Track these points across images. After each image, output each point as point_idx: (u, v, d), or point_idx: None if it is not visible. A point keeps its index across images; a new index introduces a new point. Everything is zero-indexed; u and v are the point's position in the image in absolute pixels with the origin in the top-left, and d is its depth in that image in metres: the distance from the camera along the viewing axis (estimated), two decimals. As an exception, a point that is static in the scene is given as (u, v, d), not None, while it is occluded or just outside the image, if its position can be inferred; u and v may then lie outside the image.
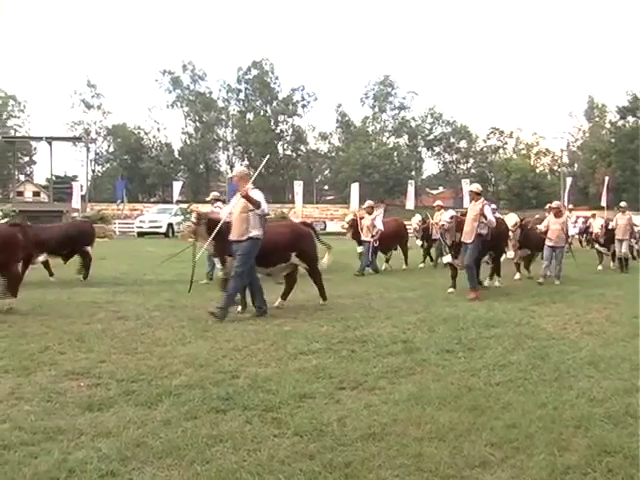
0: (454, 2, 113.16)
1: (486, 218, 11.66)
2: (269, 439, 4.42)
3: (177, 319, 9.02)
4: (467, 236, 11.81)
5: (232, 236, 9.27)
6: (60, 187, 58.79)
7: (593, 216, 22.98)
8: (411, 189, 51.57)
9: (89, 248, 14.28)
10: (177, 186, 55.22)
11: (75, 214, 40.02)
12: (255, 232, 9.26)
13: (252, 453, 4.17)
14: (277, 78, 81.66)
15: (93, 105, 79.99)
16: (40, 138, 58.19)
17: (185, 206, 44.36)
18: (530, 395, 5.46)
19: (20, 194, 70.37)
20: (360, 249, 16.62)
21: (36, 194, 77.65)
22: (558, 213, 14.86)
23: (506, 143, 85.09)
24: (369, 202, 17.09)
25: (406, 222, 18.93)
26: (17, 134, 76.23)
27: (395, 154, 77.93)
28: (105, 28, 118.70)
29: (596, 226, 19.12)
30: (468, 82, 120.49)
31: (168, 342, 7.49)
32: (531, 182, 73.62)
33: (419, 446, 4.26)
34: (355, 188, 48.57)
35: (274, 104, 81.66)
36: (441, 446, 4.28)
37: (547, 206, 17.61)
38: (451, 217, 11.93)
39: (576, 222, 25.50)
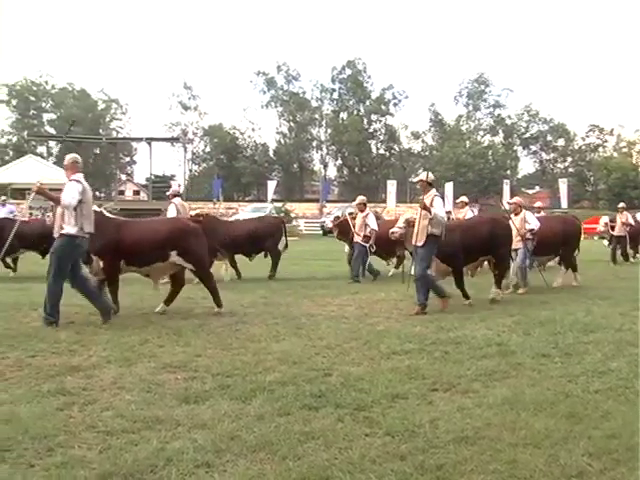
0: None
1: (430, 212, 9.72)
2: (360, 438, 4.43)
3: (271, 316, 9.17)
4: (417, 238, 9.88)
5: (54, 233, 8.65)
6: (159, 186, 60.53)
7: None
8: (506, 188, 50.57)
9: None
10: (271, 185, 56.01)
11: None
12: (68, 229, 8.42)
13: (343, 451, 4.19)
14: (370, 77, 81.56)
15: (190, 107, 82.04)
16: (140, 139, 60.26)
17: (279, 205, 44.93)
18: (631, 405, 5.21)
19: (121, 193, 72.99)
20: (348, 250, 15.02)
21: (136, 193, 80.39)
22: None
23: (606, 141, 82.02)
24: (361, 198, 15.26)
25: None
26: (119, 136, 79.16)
27: (490, 153, 76.40)
28: (201, 31, 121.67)
29: None
30: (566, 78, 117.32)
31: (262, 338, 7.63)
32: (633, 181, 70.57)
33: (513, 452, 4.17)
34: (449, 187, 48.04)
35: (367, 103, 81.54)
36: (536, 453, 4.17)
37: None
38: (406, 221, 10.32)
39: None
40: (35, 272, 13.53)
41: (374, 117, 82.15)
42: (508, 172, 76.85)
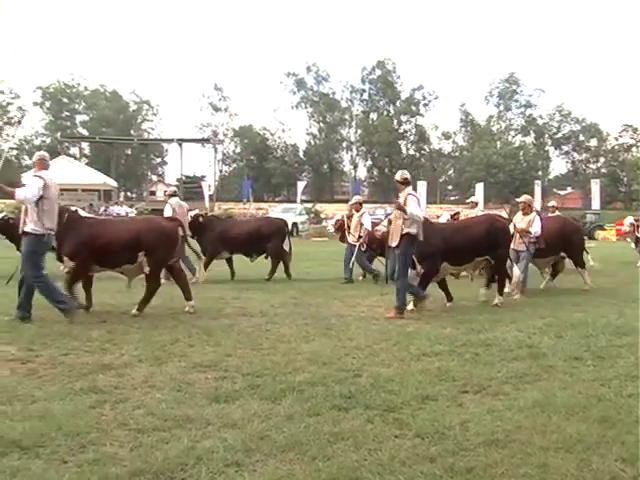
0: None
1: (406, 212, 9.37)
2: (390, 439, 4.42)
3: (301, 317, 9.20)
4: (392, 239, 9.64)
5: (19, 230, 8.72)
6: (190, 186, 61.02)
7: None
8: (538, 190, 49.97)
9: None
10: (301, 186, 56.08)
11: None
12: (30, 226, 8.40)
13: (373, 452, 4.18)
14: (399, 77, 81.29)
15: (220, 108, 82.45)
16: (171, 140, 60.83)
17: (309, 205, 44.98)
18: (666, 409, 5.14)
19: (152, 193, 73.58)
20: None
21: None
22: None
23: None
24: (357, 197, 15.27)
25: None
26: (150, 137, 79.86)
27: (521, 153, 75.62)
28: (231, 33, 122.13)
29: None
30: (599, 78, 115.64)
31: (292, 339, 7.65)
32: (668, 182, 69.49)
33: (544, 456, 4.13)
34: (480, 188, 47.66)
35: (397, 104, 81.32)
36: (568, 458, 4.12)
37: None
38: (388, 220, 10.05)
39: None
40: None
41: (404, 118, 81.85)
42: (539, 173, 75.99)
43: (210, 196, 50.08)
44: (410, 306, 9.91)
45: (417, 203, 9.62)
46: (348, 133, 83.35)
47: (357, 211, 14.39)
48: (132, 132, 79.36)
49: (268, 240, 14.51)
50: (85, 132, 77.52)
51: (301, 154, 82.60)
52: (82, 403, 5.10)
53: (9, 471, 3.85)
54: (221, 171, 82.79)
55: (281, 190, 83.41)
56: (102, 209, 33.20)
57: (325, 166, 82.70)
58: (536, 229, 11.88)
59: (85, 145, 74.28)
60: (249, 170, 77.66)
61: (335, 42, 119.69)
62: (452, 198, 79.06)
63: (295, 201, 53.74)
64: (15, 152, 79.12)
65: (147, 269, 9.29)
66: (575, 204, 72.65)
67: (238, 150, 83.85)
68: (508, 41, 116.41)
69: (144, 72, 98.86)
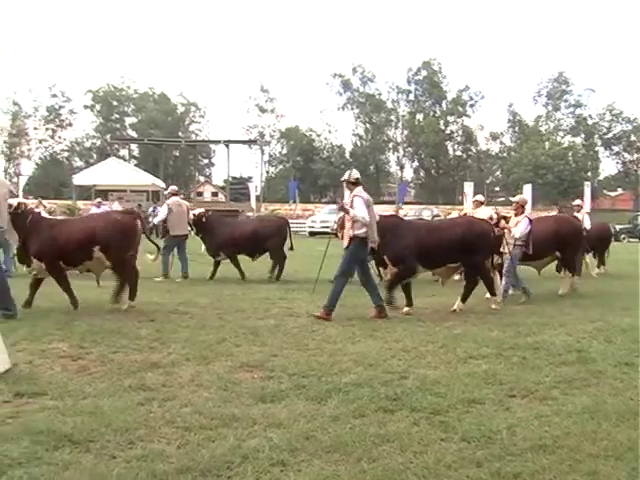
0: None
1: (349, 214, 9.30)
2: (436, 443, 4.39)
3: (347, 317, 9.21)
4: (344, 241, 9.62)
5: None
6: (236, 188, 61.54)
7: None
8: (587, 191, 48.97)
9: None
10: (347, 187, 55.91)
11: (250, 213, 41.79)
12: None
13: (419, 455, 4.16)
14: (445, 78, 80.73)
15: (267, 109, 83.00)
16: (218, 141, 61.36)
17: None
18: None
19: (200, 194, 74.33)
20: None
21: (214, 194, 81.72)
22: None
23: (693, 140, 78.55)
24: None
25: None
26: (198, 138, 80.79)
27: (570, 154, 74.27)
28: (278, 35, 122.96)
29: None
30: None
31: (338, 340, 7.66)
32: None
33: (594, 463, 4.05)
34: (528, 189, 46.89)
35: (443, 104, 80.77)
36: (618, 466, 4.03)
37: None
38: (335, 222, 9.76)
39: None
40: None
41: (450, 118, 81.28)
42: (589, 174, 74.61)
43: (257, 197, 50.35)
44: (457, 306, 9.90)
45: (363, 204, 9.37)
46: (394, 134, 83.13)
47: None
48: (180, 134, 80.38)
49: (269, 240, 14.39)
50: (134, 134, 78.77)
51: (347, 155, 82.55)
52: (131, 400, 5.18)
53: (61, 464, 3.94)
54: (267, 172, 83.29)
55: (327, 191, 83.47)
56: (150, 209, 33.57)
57: (371, 167, 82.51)
58: (519, 230, 11.13)
59: (134, 147, 75.39)
60: (295, 171, 77.96)
61: (381, 43, 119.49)
62: (500, 199, 78.10)
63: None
64: (66, 154, 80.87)
65: (107, 264, 9.60)
66: (626, 205, 71.12)
67: (284, 151, 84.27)
68: (557, 40, 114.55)
69: (192, 75, 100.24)
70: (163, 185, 47.42)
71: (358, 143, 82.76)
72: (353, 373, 6.10)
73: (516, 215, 11.51)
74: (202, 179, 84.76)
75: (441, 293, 10.24)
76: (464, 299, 10.12)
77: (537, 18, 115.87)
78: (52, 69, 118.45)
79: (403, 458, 4.11)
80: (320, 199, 79.24)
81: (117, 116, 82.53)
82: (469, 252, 9.93)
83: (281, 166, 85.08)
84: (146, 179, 44.20)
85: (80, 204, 44.30)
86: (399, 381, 5.86)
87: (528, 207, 12.95)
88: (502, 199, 76.61)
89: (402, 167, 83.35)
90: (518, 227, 11.17)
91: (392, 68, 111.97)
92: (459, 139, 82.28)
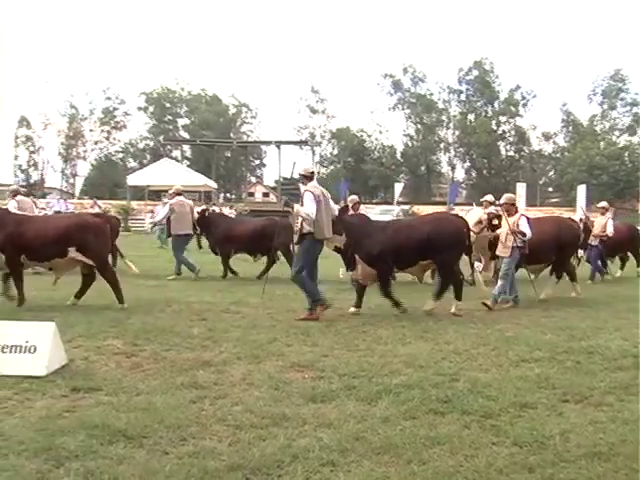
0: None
1: (293, 209, 9.19)
2: (487, 446, 4.33)
3: (397, 318, 9.16)
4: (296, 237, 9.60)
5: None
6: (287, 188, 61.78)
7: None
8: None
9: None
10: (398, 188, 55.86)
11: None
12: None
13: (469, 459, 4.12)
14: (497, 77, 79.74)
15: (318, 110, 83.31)
16: (270, 142, 61.70)
17: (407, 207, 44.74)
18: None
19: (251, 195, 74.88)
20: None
21: (265, 195, 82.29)
22: None
23: None
24: (353, 197, 14.68)
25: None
26: (249, 139, 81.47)
27: (626, 154, 72.58)
28: (328, 35, 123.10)
29: None
30: None
31: (389, 341, 7.63)
32: None
33: (651, 472, 3.95)
34: (582, 190, 46.11)
35: (495, 104, 79.83)
36: (678, 474, 3.93)
37: None
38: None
39: None
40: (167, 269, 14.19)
41: (503, 118, 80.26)
42: (646, 174, 72.85)
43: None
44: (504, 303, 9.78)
45: (313, 200, 9.10)
46: (445, 134, 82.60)
47: (355, 211, 13.82)
48: (231, 135, 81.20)
49: (271, 239, 13.66)
50: (186, 135, 79.90)
51: (398, 156, 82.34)
52: (183, 397, 5.25)
53: (116, 458, 4.02)
54: (318, 173, 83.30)
55: (378, 192, 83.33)
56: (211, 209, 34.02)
57: (422, 168, 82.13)
58: (526, 230, 10.45)
59: (186, 148, 76.56)
60: (346, 172, 78.02)
61: (431, 43, 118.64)
62: (553, 200, 76.84)
63: (392, 203, 53.56)
64: (121, 155, 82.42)
65: (92, 263, 9.71)
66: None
67: (335, 152, 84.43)
68: (614, 36, 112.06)
69: (244, 76, 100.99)
70: (215, 186, 47.95)
71: (409, 144, 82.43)
72: (404, 374, 6.07)
73: (509, 215, 10.68)
74: (253, 180, 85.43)
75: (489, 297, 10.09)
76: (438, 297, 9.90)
77: (592, 14, 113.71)
78: (107, 73, 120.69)
79: (454, 461, 4.07)
80: (371, 200, 79.10)
81: (170, 118, 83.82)
82: (439, 250, 9.69)
83: (332, 167, 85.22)
84: (198, 180, 44.76)
85: (134, 204, 45.13)
86: (450, 383, 5.81)
87: (581, 210, 12.60)
88: (555, 200, 75.45)
89: (453, 168, 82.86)
90: (522, 227, 10.41)
91: (443, 68, 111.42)
92: (511, 139, 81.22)
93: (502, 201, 11.13)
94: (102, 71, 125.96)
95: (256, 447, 4.22)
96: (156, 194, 41.16)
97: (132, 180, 45.02)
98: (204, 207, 15.32)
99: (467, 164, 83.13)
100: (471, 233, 10.71)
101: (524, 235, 10.35)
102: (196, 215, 14.78)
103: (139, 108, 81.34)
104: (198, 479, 3.78)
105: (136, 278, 11.94)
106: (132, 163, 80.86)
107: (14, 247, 9.50)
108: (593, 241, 14.99)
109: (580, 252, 15.13)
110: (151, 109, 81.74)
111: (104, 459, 4.01)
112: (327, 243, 9.66)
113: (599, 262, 15.11)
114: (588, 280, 14.60)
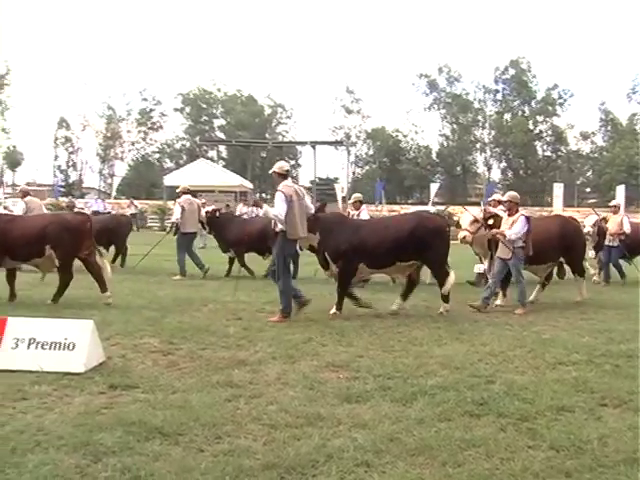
0: None
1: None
2: (523, 450, 4.30)
3: (432, 319, 9.13)
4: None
5: None
6: (323, 188, 61.82)
7: None
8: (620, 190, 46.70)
9: None
10: (434, 188, 55.54)
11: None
12: None
13: (505, 462, 4.08)
14: (534, 77, 78.76)
15: (353, 110, 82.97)
16: (305, 143, 61.85)
17: (442, 208, 44.49)
18: None
19: (287, 194, 75.00)
20: None
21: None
22: None
23: None
24: (356, 195, 14.65)
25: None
26: (284, 139, 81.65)
27: (668, 154, 71.22)
28: (363, 36, 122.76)
29: None
30: None
31: (424, 342, 7.60)
32: None
33: (693, 478, 3.87)
34: (621, 190, 45.19)
35: (532, 104, 78.89)
36: None
37: None
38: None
39: None
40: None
41: (539, 118, 79.21)
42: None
43: (343, 198, 50.48)
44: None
45: (284, 200, 8.95)
46: (482, 134, 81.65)
47: (357, 209, 14.05)
48: (267, 135, 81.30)
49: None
50: (222, 136, 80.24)
51: (434, 156, 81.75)
52: (218, 396, 5.30)
53: (152, 455, 4.08)
54: (354, 173, 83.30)
55: (414, 192, 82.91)
56: (238, 209, 34.19)
57: (458, 168, 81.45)
58: (515, 231, 10.06)
59: (222, 148, 76.85)
60: (381, 172, 77.66)
61: (467, 42, 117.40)
62: (591, 201, 75.67)
63: (428, 203, 53.24)
64: (157, 155, 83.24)
65: (57, 262, 9.80)
66: None
67: (371, 152, 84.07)
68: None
69: (279, 77, 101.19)
70: (250, 186, 48.15)
71: (445, 144, 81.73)
72: (439, 376, 6.05)
73: (510, 215, 10.40)
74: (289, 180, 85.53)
75: (529, 296, 10.00)
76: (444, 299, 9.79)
77: (630, 11, 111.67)
78: (144, 74, 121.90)
79: (489, 464, 4.04)
80: (406, 200, 78.76)
81: (206, 118, 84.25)
82: (421, 249, 9.59)
83: (367, 167, 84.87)
84: (234, 180, 44.95)
85: (170, 204, 45.56)
86: (486, 385, 5.77)
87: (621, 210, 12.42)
88: (593, 201, 74.33)
89: (489, 168, 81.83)
90: (514, 227, 10.10)
91: (479, 68, 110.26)
92: (548, 139, 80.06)
93: (505, 198, 10.98)
94: (139, 73, 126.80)
95: (291, 446, 4.24)
96: (192, 194, 41.60)
97: (169, 180, 45.36)
98: (214, 207, 15.34)
99: (503, 164, 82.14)
100: (468, 233, 10.68)
101: (504, 237, 10.08)
102: (203, 214, 14.86)
103: (175, 109, 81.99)
104: (233, 477, 3.80)
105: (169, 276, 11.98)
106: (169, 163, 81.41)
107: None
108: (612, 241, 14.60)
109: (592, 254, 15.12)
110: (187, 110, 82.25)
111: (140, 455, 4.06)
112: (301, 242, 9.65)
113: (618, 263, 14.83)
114: (621, 280, 14.47)
